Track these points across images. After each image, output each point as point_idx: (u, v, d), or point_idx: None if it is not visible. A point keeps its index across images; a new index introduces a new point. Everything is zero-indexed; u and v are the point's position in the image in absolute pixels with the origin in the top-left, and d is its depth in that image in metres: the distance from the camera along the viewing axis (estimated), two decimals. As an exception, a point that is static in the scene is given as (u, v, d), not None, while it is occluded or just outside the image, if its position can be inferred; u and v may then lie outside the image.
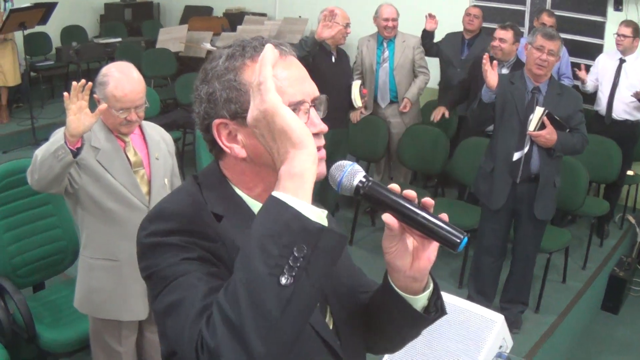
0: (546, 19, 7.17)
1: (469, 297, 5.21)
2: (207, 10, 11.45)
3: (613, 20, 7.55)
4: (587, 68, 7.19)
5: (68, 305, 3.86)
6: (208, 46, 9.44)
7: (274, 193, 1.26)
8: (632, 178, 7.60)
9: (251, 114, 1.31)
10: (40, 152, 3.13)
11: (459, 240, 1.39)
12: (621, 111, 6.91)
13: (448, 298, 3.50)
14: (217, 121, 1.53)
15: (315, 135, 1.49)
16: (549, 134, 4.71)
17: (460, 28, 7.52)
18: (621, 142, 6.86)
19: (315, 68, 5.93)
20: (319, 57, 5.97)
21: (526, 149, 4.87)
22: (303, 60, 5.22)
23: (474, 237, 5.46)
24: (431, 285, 1.61)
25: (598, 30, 7.75)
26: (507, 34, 6.28)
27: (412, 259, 1.51)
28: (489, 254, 5.32)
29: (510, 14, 8.28)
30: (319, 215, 1.25)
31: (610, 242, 7.30)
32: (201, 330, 1.26)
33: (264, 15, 10.75)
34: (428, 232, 1.43)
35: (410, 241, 1.50)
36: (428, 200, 1.44)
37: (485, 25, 7.55)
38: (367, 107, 6.91)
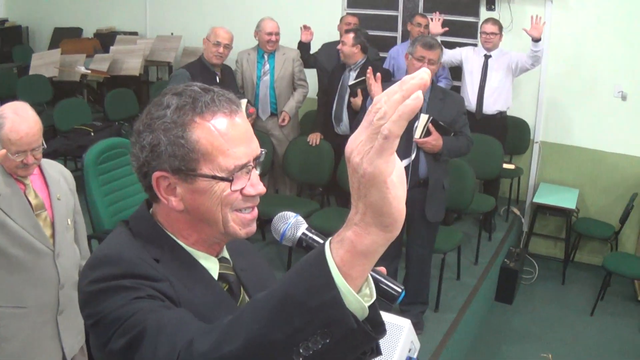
0: (420, 19, 7.31)
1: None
2: (77, 32, 11.13)
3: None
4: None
5: None
6: (82, 70, 9.20)
7: (329, 255, 1.10)
8: (514, 171, 7.85)
9: (353, 149, 1.06)
10: None
11: (397, 294, 1.38)
12: (491, 105, 7.11)
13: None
14: (157, 174, 1.50)
15: (253, 197, 1.52)
16: (435, 140, 4.81)
17: (336, 37, 7.58)
18: (493, 136, 7.08)
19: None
20: (200, 79, 5.92)
21: (413, 156, 4.93)
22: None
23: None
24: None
25: (472, 30, 7.94)
26: (347, 37, 6.51)
27: None
28: (382, 259, 5.35)
29: (384, 19, 8.40)
30: (361, 306, 1.12)
31: (498, 235, 7.51)
32: (189, 349, 1.20)
33: (135, 34, 10.55)
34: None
35: None
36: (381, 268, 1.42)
37: (371, 33, 7.63)
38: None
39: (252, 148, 1.54)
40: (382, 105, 1.03)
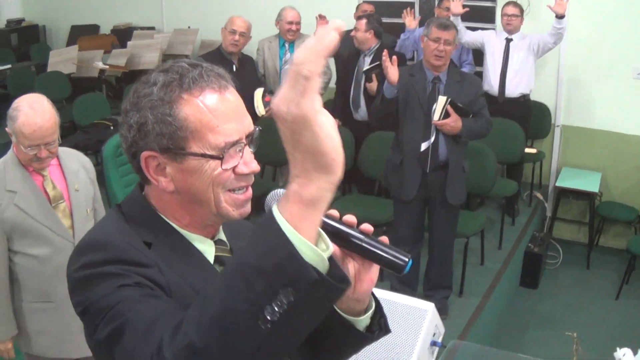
0: (447, 3, 7.22)
1: (393, 289, 5.23)
2: (94, 29, 11.17)
3: (503, 4, 7.70)
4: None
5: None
6: (100, 65, 9.22)
7: (277, 215, 1.09)
8: (535, 155, 7.78)
9: (279, 106, 1.07)
10: None
11: (404, 264, 1.35)
12: (513, 87, 7.06)
13: (375, 292, 3.52)
14: (145, 153, 1.44)
15: (246, 175, 1.47)
16: (454, 122, 4.77)
17: (352, 26, 7.53)
18: (516, 120, 7.03)
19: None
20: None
21: (432, 138, 4.91)
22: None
23: (389, 229, 5.50)
24: (373, 305, 1.55)
25: (490, 15, 7.88)
26: (360, 23, 6.50)
27: (355, 281, 1.44)
28: (404, 244, 5.35)
29: (400, 6, 8.33)
30: (319, 258, 1.09)
31: (521, 220, 7.45)
32: (162, 344, 1.15)
33: (152, 28, 10.57)
34: (372, 258, 1.38)
35: (352, 265, 1.44)
36: (367, 227, 1.40)
37: (385, 20, 7.54)
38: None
39: (244, 124, 1.48)
40: (301, 55, 1.05)
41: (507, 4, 7.12)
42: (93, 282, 1.34)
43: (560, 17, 6.59)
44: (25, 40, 11.46)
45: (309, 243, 1.08)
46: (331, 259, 1.14)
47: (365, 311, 1.53)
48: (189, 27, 10.07)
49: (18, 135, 3.09)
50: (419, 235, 5.38)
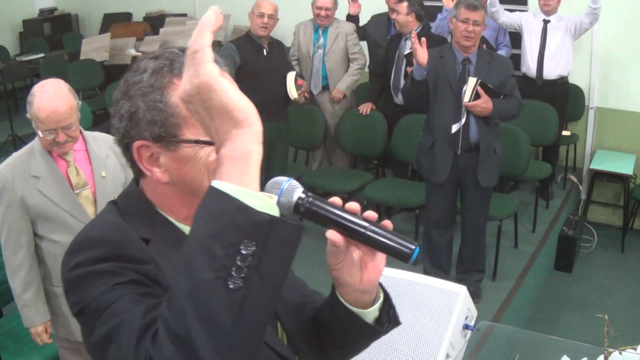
0: None
1: (425, 272, 5.22)
2: (127, 17, 11.25)
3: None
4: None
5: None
6: (133, 52, 9.28)
7: (214, 183, 1.09)
8: (569, 138, 7.71)
9: (183, 88, 1.10)
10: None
11: (410, 252, 1.30)
12: (551, 69, 6.98)
13: (407, 275, 3.50)
14: (137, 143, 1.39)
15: None
16: (485, 103, 4.74)
17: (385, 9, 7.50)
18: (554, 103, 6.96)
19: (244, 64, 5.87)
20: (247, 52, 5.93)
21: (463, 120, 4.88)
22: None
23: (422, 212, 5.48)
24: (382, 296, 1.51)
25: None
26: (401, 7, 6.39)
27: (361, 272, 1.41)
28: (437, 227, 5.34)
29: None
30: (267, 204, 1.09)
31: (555, 203, 7.39)
32: (147, 349, 1.12)
33: (184, 15, 10.60)
34: (377, 246, 1.33)
35: (357, 254, 1.39)
36: (371, 214, 1.35)
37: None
38: (306, 95, 6.84)
39: None
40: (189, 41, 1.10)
41: None
42: (87, 282, 1.30)
43: None
44: (58, 30, 11.57)
45: (252, 192, 1.08)
46: (278, 207, 1.14)
47: (373, 303, 1.49)
48: (220, 14, 10.09)
49: (35, 120, 3.10)
50: (451, 218, 5.36)
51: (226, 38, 9.80)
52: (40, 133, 3.11)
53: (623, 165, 7.42)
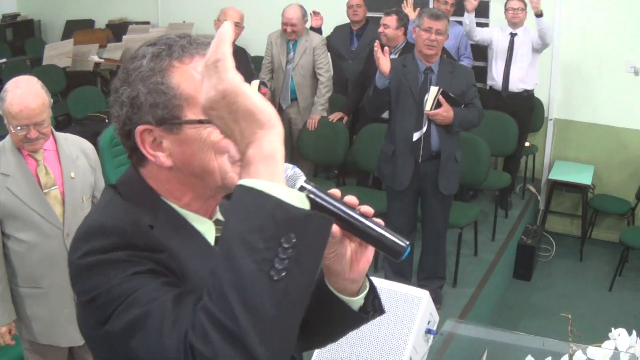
0: None
1: (386, 279, 5.25)
2: (89, 24, 11.18)
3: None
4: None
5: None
6: (96, 58, 9.22)
7: (246, 182, 1.13)
8: (529, 149, 7.84)
9: (207, 95, 1.15)
10: None
11: (403, 248, 1.34)
12: (517, 82, 7.10)
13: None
14: (140, 128, 1.40)
15: None
16: (446, 112, 4.81)
17: (346, 20, 7.57)
18: (518, 115, 7.08)
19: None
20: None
21: (425, 128, 4.94)
22: None
23: (384, 220, 5.51)
24: (367, 285, 1.55)
25: (483, 10, 7.90)
26: (391, 20, 6.35)
27: (351, 262, 1.45)
28: (398, 234, 5.36)
29: (395, 1, 8.35)
30: (300, 199, 1.14)
31: (514, 212, 7.49)
32: (190, 342, 1.12)
33: (147, 23, 10.58)
34: (372, 241, 1.37)
35: (350, 245, 1.44)
36: (367, 209, 1.39)
37: (372, 14, 7.60)
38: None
39: None
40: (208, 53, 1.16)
41: None
42: (102, 270, 1.28)
43: (538, 15, 6.67)
44: (20, 35, 11.46)
45: (285, 188, 1.13)
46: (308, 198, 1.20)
47: (359, 292, 1.54)
48: (183, 22, 10.09)
49: (7, 116, 3.09)
50: (412, 225, 5.41)
51: (189, 47, 9.80)
52: (12, 129, 3.10)
53: (582, 176, 7.55)
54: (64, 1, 11.40)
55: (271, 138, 1.15)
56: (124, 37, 9.56)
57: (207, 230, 1.52)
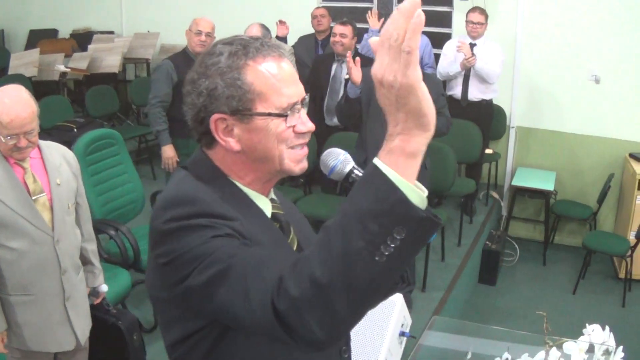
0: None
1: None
2: (53, 33, 11.13)
3: (460, 9, 7.91)
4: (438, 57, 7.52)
5: None
6: (62, 68, 9.16)
7: (383, 167, 1.26)
8: (491, 156, 8.01)
9: (386, 76, 1.23)
10: None
11: (439, 222, 1.42)
12: (476, 92, 7.26)
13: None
14: (216, 116, 1.61)
15: (304, 134, 1.64)
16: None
17: (311, 30, 7.68)
18: (478, 123, 7.24)
19: (182, 81, 5.91)
20: (185, 69, 5.88)
21: (395, 137, 5.02)
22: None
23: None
24: None
25: (446, 20, 8.05)
26: (348, 29, 6.43)
27: None
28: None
29: (360, 12, 8.46)
30: (421, 199, 1.27)
31: (478, 218, 7.66)
32: (282, 280, 1.31)
33: (111, 33, 10.61)
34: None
35: None
36: None
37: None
38: None
39: (299, 89, 1.66)
40: (393, 32, 1.20)
41: (473, 10, 7.26)
42: (184, 234, 1.48)
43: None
44: (-17, 45, 11.39)
45: (413, 187, 1.26)
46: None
47: None
48: (148, 31, 10.12)
49: None
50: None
51: (154, 55, 9.84)
52: (2, 138, 3.11)
53: (544, 182, 7.74)
54: (27, 10, 11.36)
55: (421, 140, 1.27)
56: (90, 47, 9.56)
57: (265, 206, 1.75)
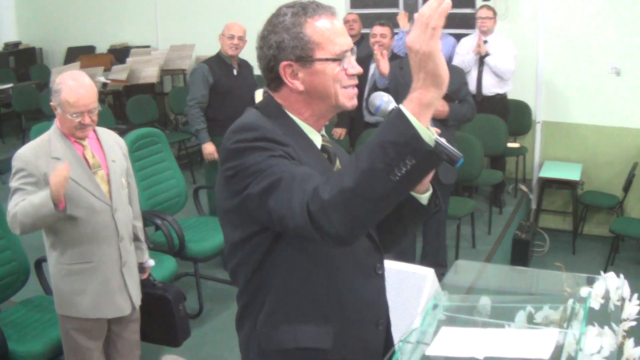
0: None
1: (392, 261, 5.55)
2: (90, 50, 11.55)
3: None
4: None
5: (31, 321, 4.12)
6: (103, 79, 9.43)
7: (405, 111, 1.62)
8: (519, 150, 8.23)
9: (414, 42, 1.61)
10: (22, 215, 3.34)
11: (459, 157, 1.73)
12: (490, 87, 7.53)
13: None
14: (284, 63, 2.00)
15: (354, 75, 2.03)
16: (442, 107, 5.17)
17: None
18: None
19: (217, 83, 6.18)
20: (219, 72, 6.25)
21: (423, 124, 5.27)
22: None
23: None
24: (431, 188, 2.12)
25: (469, 21, 8.28)
26: (386, 30, 6.65)
27: None
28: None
29: (387, 17, 8.68)
30: (430, 138, 1.62)
31: (508, 210, 7.84)
32: (317, 188, 1.70)
33: (147, 47, 10.96)
34: (443, 150, 1.75)
35: None
36: (436, 129, 1.82)
37: (365, 31, 7.94)
38: None
39: (348, 40, 2.06)
40: (426, 11, 1.61)
41: (481, 7, 7.64)
42: (248, 152, 1.89)
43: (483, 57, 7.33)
44: (23, 63, 11.75)
45: (425, 128, 1.63)
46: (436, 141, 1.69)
47: (425, 192, 2.11)
48: (184, 44, 10.42)
49: (64, 105, 3.43)
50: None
51: (190, 66, 10.09)
52: (68, 116, 3.44)
53: (571, 173, 7.94)
54: (64, 28, 11.78)
55: (435, 95, 1.65)
56: (128, 60, 9.91)
57: (316, 139, 2.12)
